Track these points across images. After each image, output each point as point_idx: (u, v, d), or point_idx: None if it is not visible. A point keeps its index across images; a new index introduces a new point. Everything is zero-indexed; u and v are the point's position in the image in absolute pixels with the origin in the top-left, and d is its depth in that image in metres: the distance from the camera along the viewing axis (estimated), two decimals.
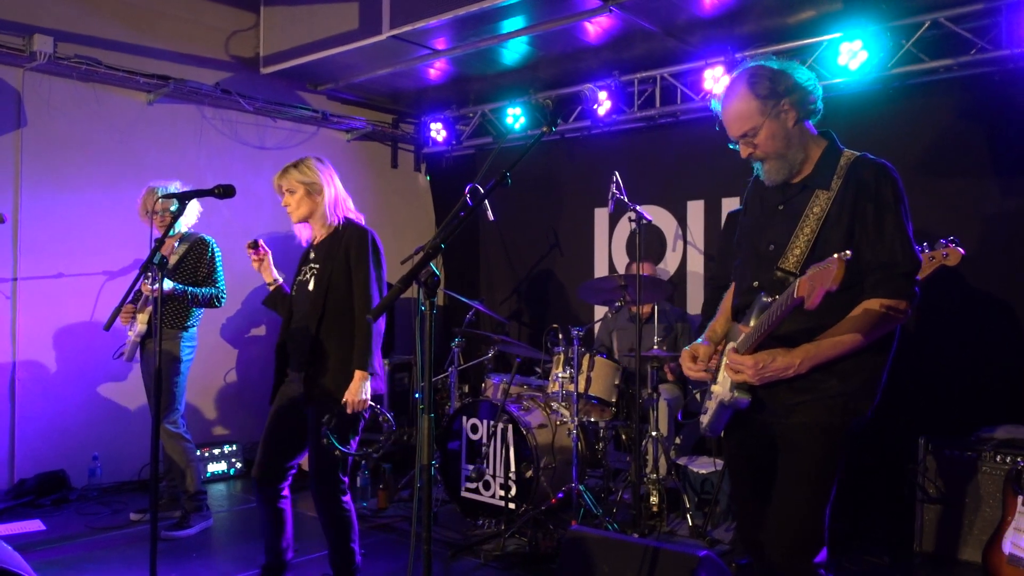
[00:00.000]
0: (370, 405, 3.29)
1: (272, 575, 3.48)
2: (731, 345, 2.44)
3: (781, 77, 2.33)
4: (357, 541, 3.41)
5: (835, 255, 1.95)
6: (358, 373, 3.25)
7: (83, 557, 4.21)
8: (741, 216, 2.69)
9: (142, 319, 4.58)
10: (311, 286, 3.36)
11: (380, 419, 3.34)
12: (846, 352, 2.23)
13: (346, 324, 3.32)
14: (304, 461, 3.45)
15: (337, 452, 3.18)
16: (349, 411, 3.21)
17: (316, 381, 3.28)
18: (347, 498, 3.37)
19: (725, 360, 2.40)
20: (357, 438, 3.34)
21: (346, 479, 3.37)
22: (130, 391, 5.72)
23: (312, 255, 3.46)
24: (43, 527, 4.70)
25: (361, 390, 3.23)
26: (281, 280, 3.54)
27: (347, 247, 3.35)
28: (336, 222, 3.41)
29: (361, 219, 3.50)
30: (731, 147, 2.47)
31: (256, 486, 3.43)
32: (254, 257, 3.42)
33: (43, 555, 4.21)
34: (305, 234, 3.52)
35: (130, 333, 4.63)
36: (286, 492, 3.44)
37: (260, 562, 3.55)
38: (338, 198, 3.42)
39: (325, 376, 3.28)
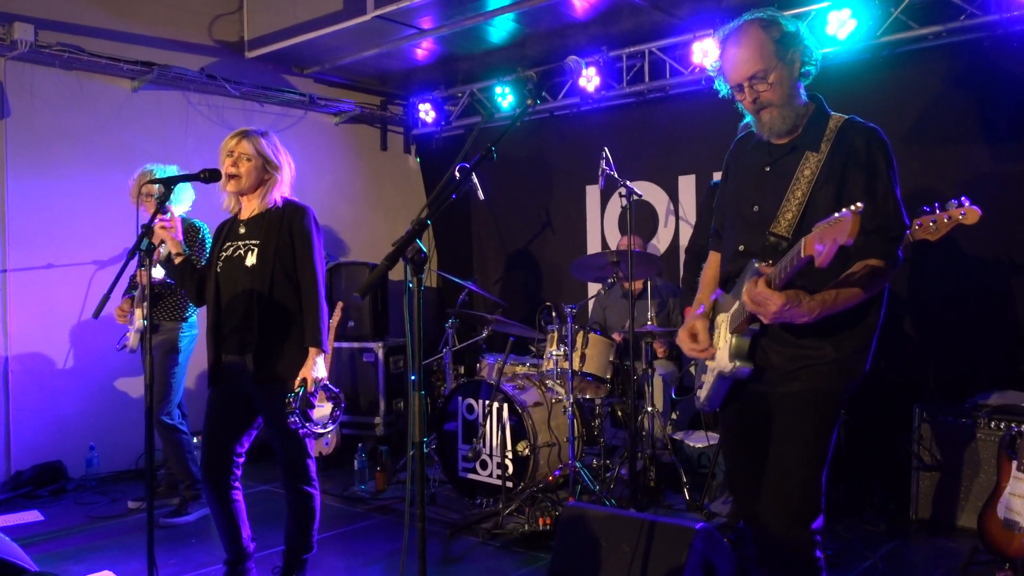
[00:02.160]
0: (326, 383, 3.23)
1: (236, 568, 3.37)
2: (722, 316, 2.43)
3: (791, 26, 2.32)
4: (316, 529, 3.36)
5: (849, 207, 1.89)
6: (312, 350, 3.19)
7: (82, 546, 4.22)
8: (722, 182, 2.66)
9: (140, 315, 4.55)
10: (250, 262, 3.21)
11: (328, 396, 3.30)
12: (850, 307, 2.20)
13: (291, 303, 3.22)
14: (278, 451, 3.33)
15: (303, 431, 3.12)
16: (309, 389, 3.14)
17: (266, 361, 3.17)
18: (315, 482, 3.31)
19: (725, 326, 2.39)
20: (313, 416, 3.27)
21: (312, 463, 3.32)
22: (126, 380, 5.72)
23: (242, 230, 3.29)
24: (41, 517, 4.70)
25: (317, 367, 3.19)
26: (188, 252, 3.37)
27: (291, 225, 3.23)
28: (278, 204, 3.27)
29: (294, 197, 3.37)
30: (723, 94, 2.41)
31: (205, 481, 3.29)
32: (161, 225, 3.16)
33: (42, 545, 4.21)
34: (232, 204, 3.34)
35: (130, 327, 4.60)
36: (237, 484, 3.32)
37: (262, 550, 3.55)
38: (288, 186, 3.32)
39: (275, 356, 3.18)
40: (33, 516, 4.72)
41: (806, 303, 2.13)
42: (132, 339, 4.59)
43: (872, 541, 4.02)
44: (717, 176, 5.70)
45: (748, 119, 2.45)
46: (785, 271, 2.09)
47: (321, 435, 3.25)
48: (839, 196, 2.24)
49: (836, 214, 1.91)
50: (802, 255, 2.01)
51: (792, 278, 2.11)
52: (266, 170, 3.24)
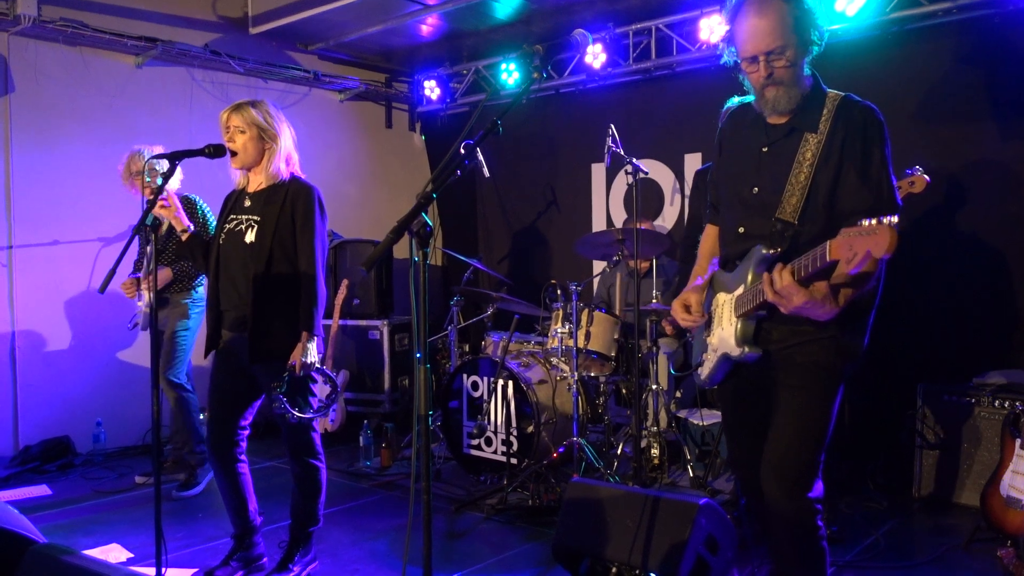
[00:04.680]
0: (317, 367, 3.21)
1: (243, 541, 3.40)
2: (723, 296, 2.42)
3: (807, 3, 2.27)
4: (323, 503, 3.38)
5: (883, 220, 1.81)
6: (304, 334, 3.16)
7: (90, 520, 4.26)
8: (716, 155, 2.63)
9: (150, 293, 4.60)
10: (249, 238, 3.18)
11: (323, 380, 3.29)
12: (860, 292, 2.19)
13: (289, 282, 3.19)
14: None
15: (290, 416, 3.12)
16: (298, 373, 3.12)
17: (261, 341, 3.15)
18: (320, 455, 3.33)
19: (728, 308, 2.39)
20: (316, 397, 3.26)
21: (317, 436, 3.32)
22: (132, 356, 5.74)
23: (247, 203, 3.26)
24: (49, 492, 4.75)
25: (308, 351, 3.16)
26: (193, 227, 3.36)
27: (293, 203, 3.19)
28: (284, 178, 3.24)
29: (302, 175, 3.33)
30: (727, 61, 2.37)
31: (211, 454, 3.31)
32: (161, 205, 3.14)
33: (50, 519, 4.25)
34: (241, 179, 3.32)
35: (139, 304, 4.65)
36: (243, 457, 3.33)
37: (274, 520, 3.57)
38: (290, 152, 3.27)
39: (270, 336, 3.15)
40: (41, 491, 4.76)
41: (830, 305, 2.10)
42: (142, 320, 4.64)
43: (874, 518, 4.04)
44: None
45: (730, 103, 2.40)
46: (806, 270, 2.06)
47: (309, 419, 3.24)
48: (838, 175, 2.23)
49: (866, 222, 1.84)
50: (827, 258, 1.96)
51: (808, 279, 2.08)
52: (263, 139, 3.19)
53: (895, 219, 1.82)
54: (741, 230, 2.40)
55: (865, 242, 1.85)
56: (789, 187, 2.28)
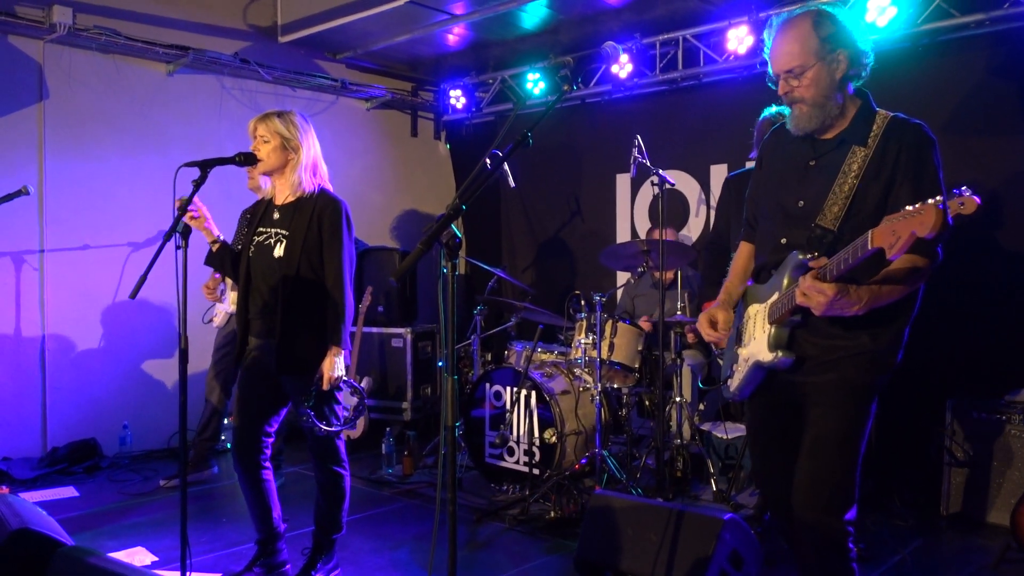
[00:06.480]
0: (345, 380, 3.23)
1: (267, 547, 3.41)
2: (756, 306, 2.40)
3: (845, 27, 2.29)
4: (346, 510, 3.40)
5: (928, 200, 1.84)
6: (332, 348, 3.18)
7: (116, 522, 4.30)
8: (756, 172, 2.63)
9: (234, 297, 4.67)
10: (278, 253, 3.22)
11: (351, 392, 3.30)
12: (893, 301, 2.19)
13: (316, 295, 3.22)
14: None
15: (317, 430, 3.14)
16: (325, 387, 3.15)
17: (288, 352, 3.18)
18: (345, 463, 3.35)
19: (761, 316, 2.37)
20: (341, 406, 3.27)
21: (342, 443, 3.34)
22: (159, 361, 5.80)
23: (276, 215, 3.29)
24: (76, 493, 4.80)
25: (335, 365, 3.18)
26: (223, 237, 3.37)
27: (320, 217, 3.22)
28: (311, 190, 3.26)
29: (331, 188, 3.35)
30: (768, 82, 2.41)
31: (235, 460, 3.32)
32: (191, 216, 3.13)
33: (77, 520, 4.29)
34: (266, 187, 3.37)
35: (219, 305, 4.83)
36: (267, 464, 3.35)
37: (292, 528, 3.59)
38: (315, 163, 3.28)
39: (297, 347, 3.18)
40: (68, 492, 4.82)
41: (854, 293, 2.11)
42: (220, 317, 4.83)
43: (901, 536, 3.98)
44: (751, 166, 5.67)
45: (767, 112, 2.42)
46: (845, 263, 2.06)
47: (336, 432, 3.26)
48: (887, 192, 2.23)
49: (910, 207, 1.87)
50: (869, 247, 1.97)
51: (848, 272, 2.07)
52: (286, 149, 3.22)
53: (941, 198, 1.82)
54: (783, 240, 2.39)
55: (909, 224, 1.86)
56: (832, 196, 2.28)
